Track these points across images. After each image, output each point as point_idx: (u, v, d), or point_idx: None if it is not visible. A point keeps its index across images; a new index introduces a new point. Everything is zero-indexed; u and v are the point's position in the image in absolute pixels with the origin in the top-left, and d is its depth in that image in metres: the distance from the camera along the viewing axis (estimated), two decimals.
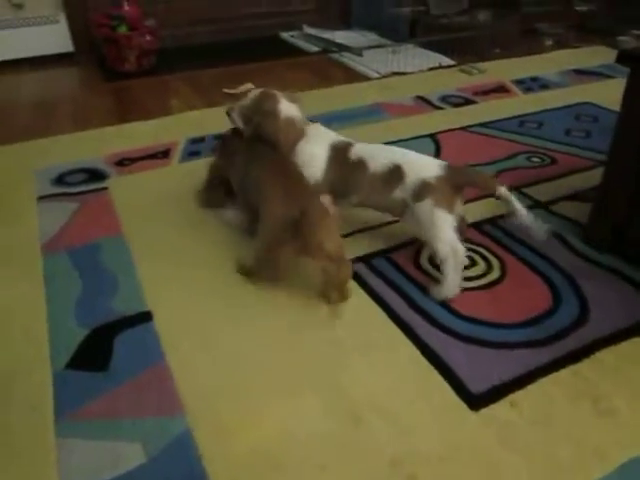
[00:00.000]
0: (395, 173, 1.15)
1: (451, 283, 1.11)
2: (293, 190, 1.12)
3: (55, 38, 2.88)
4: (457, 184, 1.12)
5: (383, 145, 1.29)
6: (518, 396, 0.92)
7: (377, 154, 1.20)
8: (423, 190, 1.11)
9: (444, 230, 1.10)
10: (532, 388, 0.93)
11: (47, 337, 1.05)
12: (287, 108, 1.28)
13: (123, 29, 2.52)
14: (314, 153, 1.24)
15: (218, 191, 1.40)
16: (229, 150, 1.36)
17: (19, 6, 2.78)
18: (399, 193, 1.14)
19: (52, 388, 0.95)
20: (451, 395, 0.91)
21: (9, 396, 0.94)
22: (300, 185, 1.15)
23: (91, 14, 2.83)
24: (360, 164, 1.19)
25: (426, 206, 1.10)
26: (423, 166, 1.15)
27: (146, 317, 1.09)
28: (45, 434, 0.87)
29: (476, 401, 0.90)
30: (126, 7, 2.53)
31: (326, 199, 1.07)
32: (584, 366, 0.97)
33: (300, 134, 1.27)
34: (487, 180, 1.21)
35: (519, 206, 1.09)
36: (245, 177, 1.25)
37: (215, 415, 0.89)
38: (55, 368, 0.98)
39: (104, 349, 1.02)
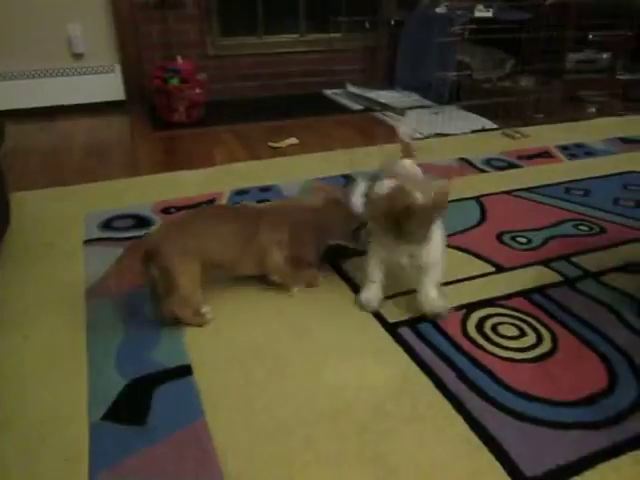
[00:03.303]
0: None
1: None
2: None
3: (109, 87, 3.02)
4: None
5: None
6: None
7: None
8: None
9: None
10: (590, 475, 0.87)
11: (86, 385, 1.04)
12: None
13: (175, 81, 2.62)
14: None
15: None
16: None
17: (79, 55, 2.93)
18: None
19: (88, 440, 0.93)
20: (504, 477, 0.86)
21: (42, 444, 0.92)
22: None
23: (145, 66, 2.96)
24: None
25: None
26: None
27: (187, 371, 1.07)
28: None
29: None
30: (180, 61, 2.64)
31: None
32: None
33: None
34: None
35: None
36: None
37: None
38: (92, 419, 0.97)
39: (142, 402, 1.00)
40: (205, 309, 1.23)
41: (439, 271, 1.20)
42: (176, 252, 1.16)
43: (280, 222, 1.31)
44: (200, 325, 1.21)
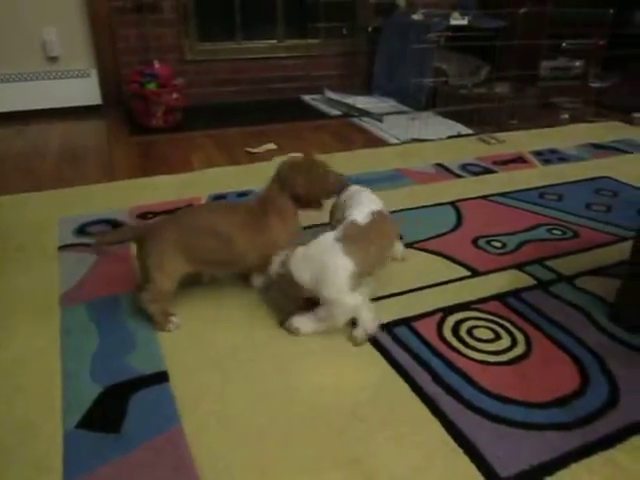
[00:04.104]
0: None
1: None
2: None
3: (85, 91, 2.99)
4: None
5: None
6: None
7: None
8: None
9: None
10: (563, 475, 0.88)
11: (60, 393, 1.03)
12: None
13: (152, 86, 2.61)
14: None
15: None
16: None
17: (54, 59, 2.89)
18: None
19: (62, 449, 0.91)
20: (480, 479, 0.87)
21: (14, 453, 0.90)
22: None
23: (121, 70, 2.94)
24: None
25: None
26: None
27: (163, 377, 1.06)
28: None
29: None
30: (157, 65, 2.62)
31: None
32: (618, 453, 0.92)
33: None
34: None
35: None
36: None
37: None
38: (66, 427, 0.95)
39: (118, 409, 0.99)
40: (174, 318, 1.21)
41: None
42: (159, 246, 1.16)
43: (290, 216, 1.31)
44: (162, 329, 1.20)
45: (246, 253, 1.24)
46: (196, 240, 1.19)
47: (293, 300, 1.21)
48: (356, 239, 1.17)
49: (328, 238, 1.18)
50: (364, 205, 1.27)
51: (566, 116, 3.08)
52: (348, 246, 1.15)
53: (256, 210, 1.29)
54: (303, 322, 1.19)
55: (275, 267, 1.20)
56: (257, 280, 1.33)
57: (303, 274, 1.15)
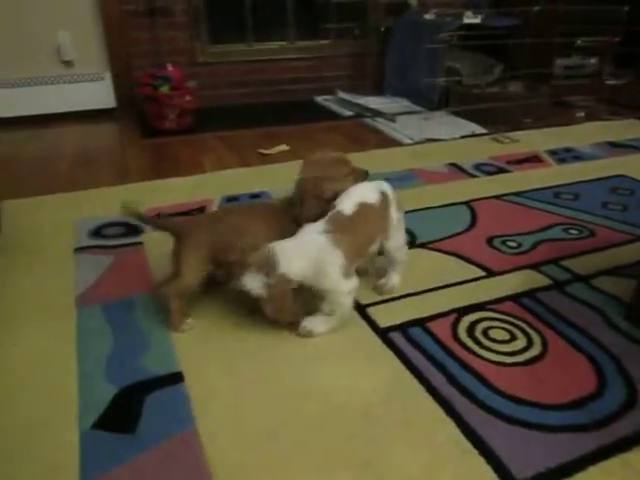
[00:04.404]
0: None
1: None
2: None
3: (99, 94, 3.01)
4: None
5: None
6: None
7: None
8: None
9: None
10: (580, 477, 0.87)
11: (76, 394, 1.03)
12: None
13: (165, 89, 2.62)
14: None
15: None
16: None
17: (69, 63, 2.92)
18: None
19: (78, 449, 0.92)
20: None
21: (30, 455, 0.91)
22: None
23: (135, 73, 2.96)
24: None
25: None
26: None
27: (178, 378, 1.07)
28: None
29: None
30: (170, 68, 2.64)
31: None
32: (635, 456, 0.91)
33: None
34: None
35: None
36: None
37: None
38: (82, 428, 0.96)
39: (133, 410, 1.00)
40: (189, 319, 1.22)
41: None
42: (191, 244, 1.19)
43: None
44: (176, 330, 1.20)
45: None
46: (226, 240, 1.21)
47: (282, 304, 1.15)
48: (340, 229, 1.17)
49: (314, 231, 1.17)
50: (351, 197, 1.24)
51: (582, 114, 3.05)
52: (333, 236, 1.15)
53: (285, 210, 1.31)
54: (314, 323, 1.19)
55: (255, 281, 1.13)
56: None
57: (294, 267, 1.12)
